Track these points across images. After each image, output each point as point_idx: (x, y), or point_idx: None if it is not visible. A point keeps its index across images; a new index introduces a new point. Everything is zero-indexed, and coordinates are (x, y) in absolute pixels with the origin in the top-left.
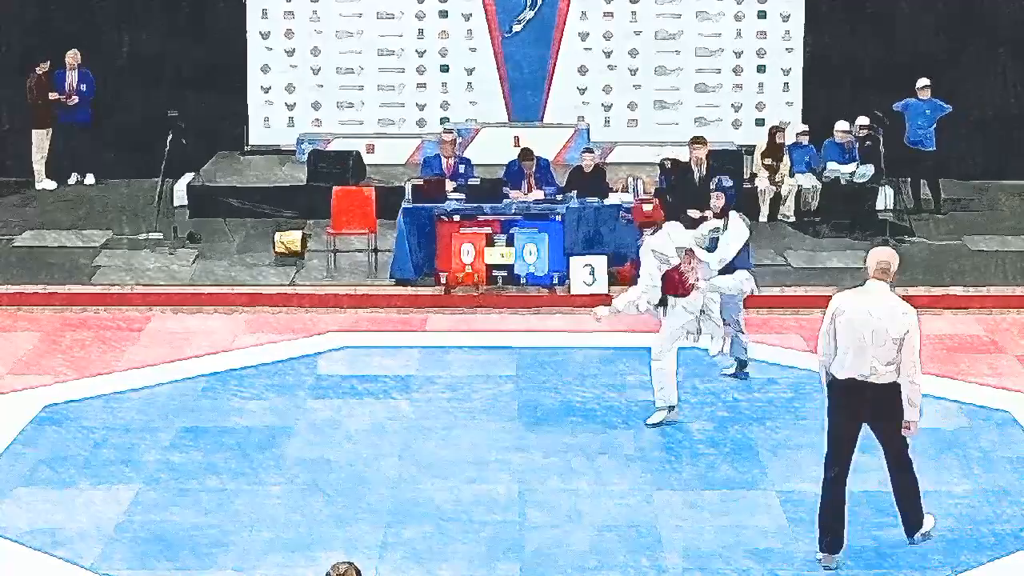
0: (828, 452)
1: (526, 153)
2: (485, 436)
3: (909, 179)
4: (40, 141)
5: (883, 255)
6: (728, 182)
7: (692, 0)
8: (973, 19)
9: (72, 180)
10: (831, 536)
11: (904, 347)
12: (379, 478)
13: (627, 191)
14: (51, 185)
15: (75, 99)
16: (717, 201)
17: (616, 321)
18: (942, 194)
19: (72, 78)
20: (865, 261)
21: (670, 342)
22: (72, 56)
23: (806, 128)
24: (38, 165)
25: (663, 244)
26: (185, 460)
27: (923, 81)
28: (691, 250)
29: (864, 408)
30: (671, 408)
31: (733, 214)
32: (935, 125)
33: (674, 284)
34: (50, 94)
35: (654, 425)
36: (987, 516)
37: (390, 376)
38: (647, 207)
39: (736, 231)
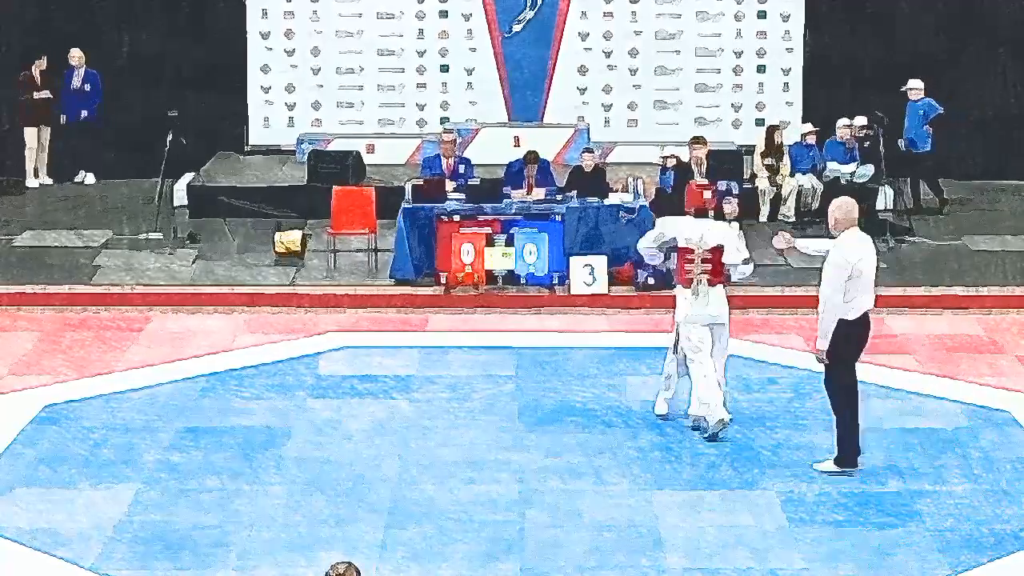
0: (845, 386)
1: (532, 156)
2: (485, 436)
3: (909, 179)
4: (31, 139)
5: (851, 204)
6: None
7: (692, 0)
8: (973, 19)
9: (79, 178)
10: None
11: None
12: (379, 478)
13: (627, 191)
14: (47, 181)
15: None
16: (732, 208)
17: (616, 321)
18: (943, 192)
19: (78, 77)
20: (834, 214)
21: (688, 341)
22: (77, 57)
23: (811, 128)
24: (29, 165)
25: (685, 228)
26: (185, 460)
27: (913, 83)
28: (720, 248)
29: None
30: (717, 421)
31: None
32: (928, 125)
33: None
34: (35, 93)
35: (708, 438)
36: (987, 516)
37: (390, 376)
38: (707, 193)
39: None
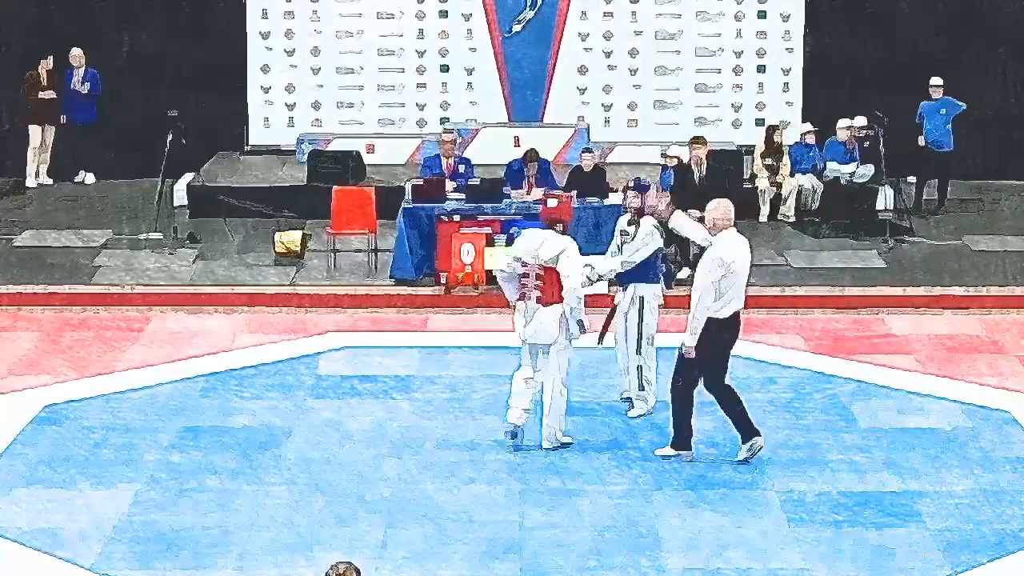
0: (691, 376)
1: (531, 154)
2: (485, 436)
3: (915, 179)
4: (35, 138)
5: (727, 206)
6: (646, 182)
7: (692, 0)
8: (973, 19)
9: (79, 178)
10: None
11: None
12: (379, 478)
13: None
14: (47, 181)
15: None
16: (635, 201)
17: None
18: (947, 195)
19: (78, 76)
20: (712, 215)
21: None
22: (77, 56)
23: (811, 128)
24: (31, 165)
25: (528, 240)
26: (185, 460)
27: (935, 80)
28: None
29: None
30: (509, 423)
31: (648, 219)
32: (950, 124)
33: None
34: (40, 93)
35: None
36: (987, 516)
37: (390, 376)
38: (552, 202)
39: (647, 237)
